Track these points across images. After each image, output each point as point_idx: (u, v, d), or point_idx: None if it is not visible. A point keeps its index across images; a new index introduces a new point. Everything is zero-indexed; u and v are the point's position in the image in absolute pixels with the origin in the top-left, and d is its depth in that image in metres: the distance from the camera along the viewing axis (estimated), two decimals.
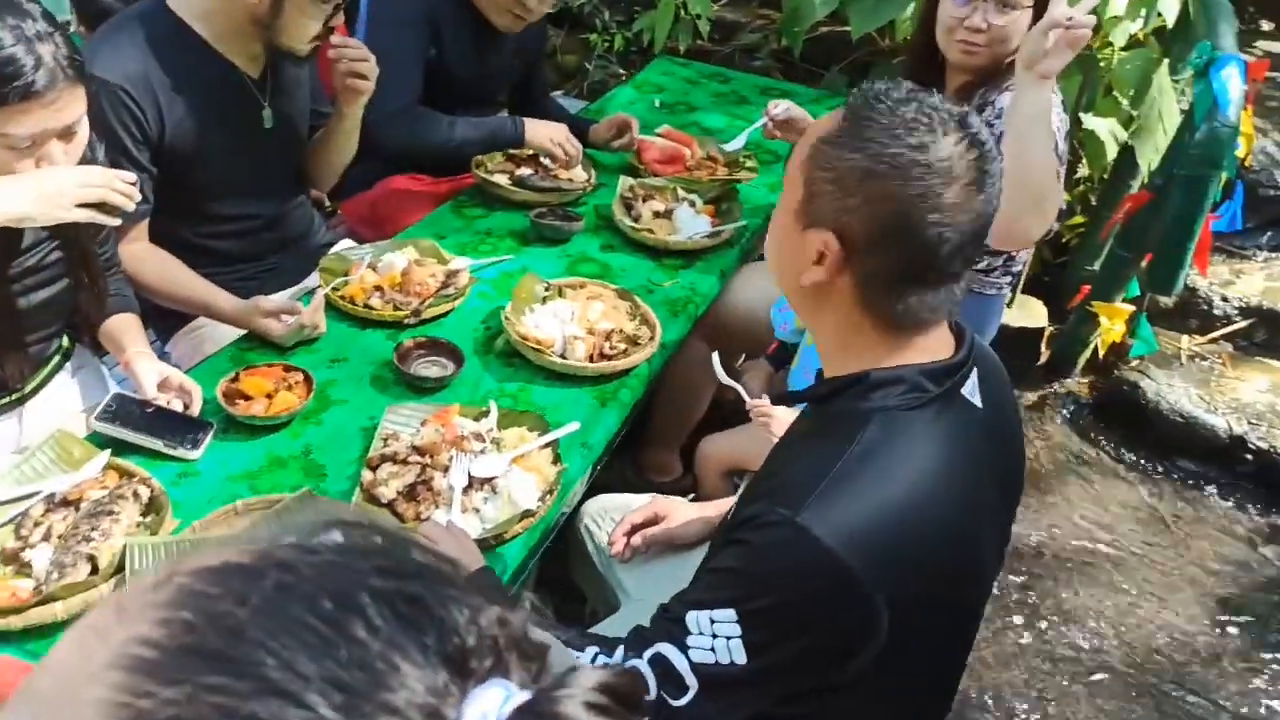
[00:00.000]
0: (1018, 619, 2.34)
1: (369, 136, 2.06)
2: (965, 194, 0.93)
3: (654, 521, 1.46)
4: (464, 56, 2.36)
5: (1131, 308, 2.90)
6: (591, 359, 1.74)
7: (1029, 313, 3.15)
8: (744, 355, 2.51)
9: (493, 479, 1.44)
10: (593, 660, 1.06)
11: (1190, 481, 2.81)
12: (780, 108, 2.15)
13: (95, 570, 1.20)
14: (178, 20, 1.72)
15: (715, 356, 1.68)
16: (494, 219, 2.23)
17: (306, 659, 0.34)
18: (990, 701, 2.14)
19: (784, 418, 1.61)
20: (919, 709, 1.18)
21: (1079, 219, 3.30)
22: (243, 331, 1.77)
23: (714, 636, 0.93)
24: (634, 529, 1.45)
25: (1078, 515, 2.66)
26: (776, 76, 3.56)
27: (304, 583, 0.36)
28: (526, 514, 1.39)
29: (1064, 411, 3.03)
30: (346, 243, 2.18)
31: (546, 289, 1.91)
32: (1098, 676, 2.23)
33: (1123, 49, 2.83)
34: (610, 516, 1.62)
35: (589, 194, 2.34)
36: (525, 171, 2.33)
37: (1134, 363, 3.05)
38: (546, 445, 1.52)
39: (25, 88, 1.25)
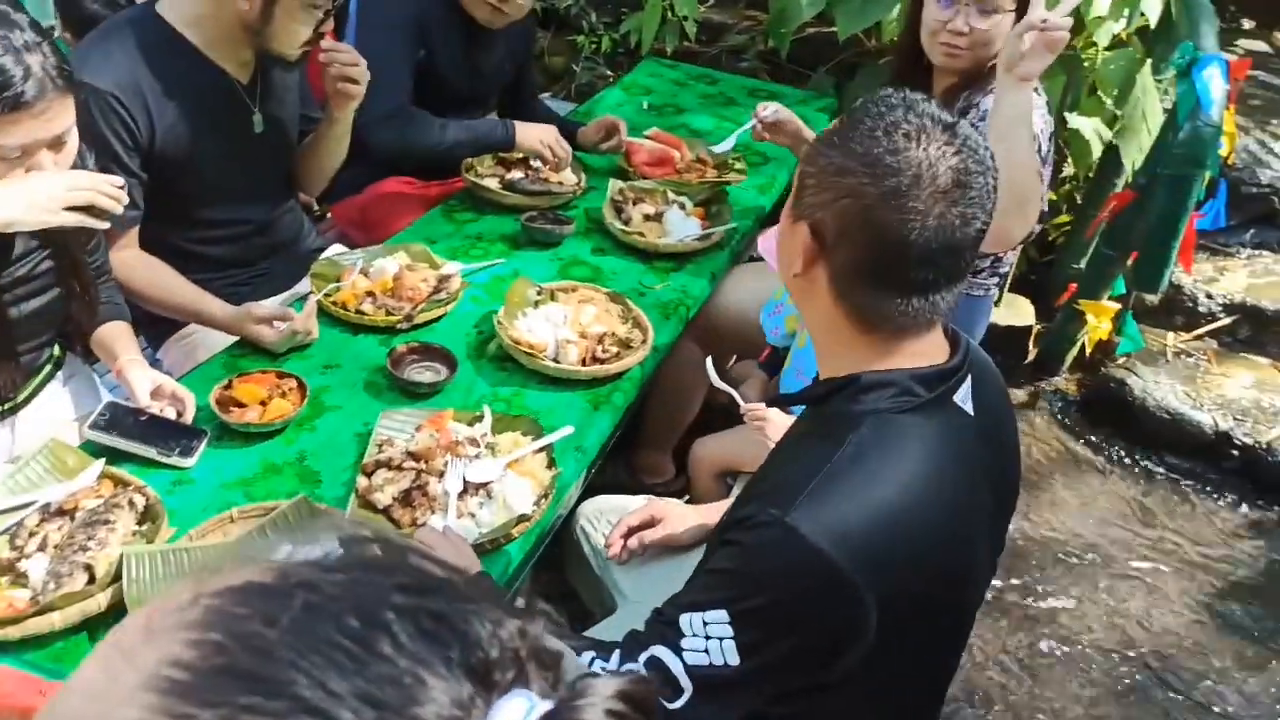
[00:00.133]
0: (1005, 614, 2.36)
1: (360, 140, 2.06)
2: (939, 200, 0.94)
3: (651, 524, 1.47)
4: (453, 59, 2.36)
5: (1117, 305, 2.93)
6: (584, 363, 1.74)
7: (1016, 311, 3.17)
8: (735, 357, 2.52)
9: (488, 484, 1.45)
10: (589, 665, 1.07)
11: (1176, 477, 2.84)
12: (769, 110, 2.17)
13: (92, 580, 1.20)
14: (168, 26, 1.72)
15: (709, 361, 1.69)
16: (484, 223, 2.23)
17: (337, 677, 0.34)
18: (978, 697, 2.16)
19: (778, 421, 1.62)
20: (909, 710, 1.19)
21: (1065, 218, 3.33)
22: (234, 338, 1.77)
23: (707, 638, 0.94)
24: (631, 531, 1.46)
25: (1065, 511, 2.69)
26: (764, 77, 3.57)
27: (329, 602, 0.37)
28: (522, 518, 1.40)
29: (1052, 409, 3.05)
30: (337, 248, 2.18)
31: (538, 293, 1.91)
32: (1086, 671, 2.25)
33: (1106, 49, 2.85)
34: (606, 518, 1.62)
35: (579, 197, 2.34)
36: (515, 175, 2.34)
37: (1120, 360, 3.08)
38: (541, 449, 1.53)
39: (14, 98, 1.25)
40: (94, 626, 1.20)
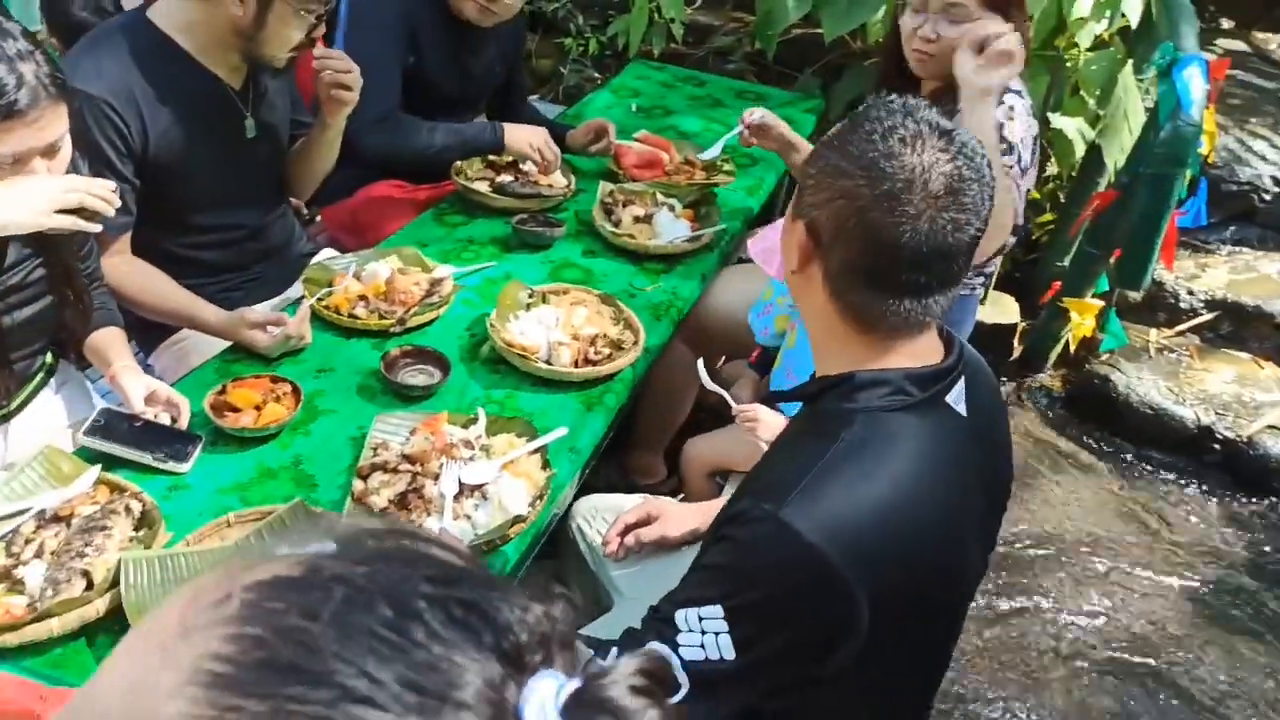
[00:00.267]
0: (991, 608, 2.39)
1: (350, 144, 2.06)
2: (932, 205, 0.96)
3: (647, 522, 1.48)
4: (443, 61, 2.37)
5: (1101, 303, 2.97)
6: (577, 364, 1.76)
7: (1002, 309, 3.20)
8: (724, 358, 2.54)
9: (483, 485, 1.46)
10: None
11: (1160, 471, 2.88)
12: (755, 115, 2.19)
13: (90, 586, 1.20)
14: (159, 33, 1.72)
15: (700, 363, 1.71)
16: (475, 227, 2.24)
17: (378, 665, 0.36)
18: (966, 691, 2.19)
19: (769, 421, 1.64)
20: (902, 705, 1.21)
21: (1049, 216, 3.37)
22: (227, 343, 1.78)
23: (703, 633, 0.96)
24: (628, 529, 1.48)
25: (1051, 506, 2.72)
26: (750, 79, 3.59)
27: (362, 594, 0.38)
28: (518, 519, 1.41)
29: (1037, 405, 3.09)
30: (328, 252, 2.19)
31: (530, 296, 1.92)
32: (1072, 663, 2.29)
33: (1089, 50, 2.89)
34: (602, 516, 1.64)
35: (569, 200, 2.36)
36: (505, 178, 2.35)
37: (1104, 356, 3.11)
38: (535, 451, 1.54)
39: (8, 107, 1.25)
40: (92, 633, 1.20)
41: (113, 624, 1.21)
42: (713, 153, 2.42)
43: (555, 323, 1.85)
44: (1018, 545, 2.57)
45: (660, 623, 1.00)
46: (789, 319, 1.91)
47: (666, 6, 3.38)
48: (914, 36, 1.91)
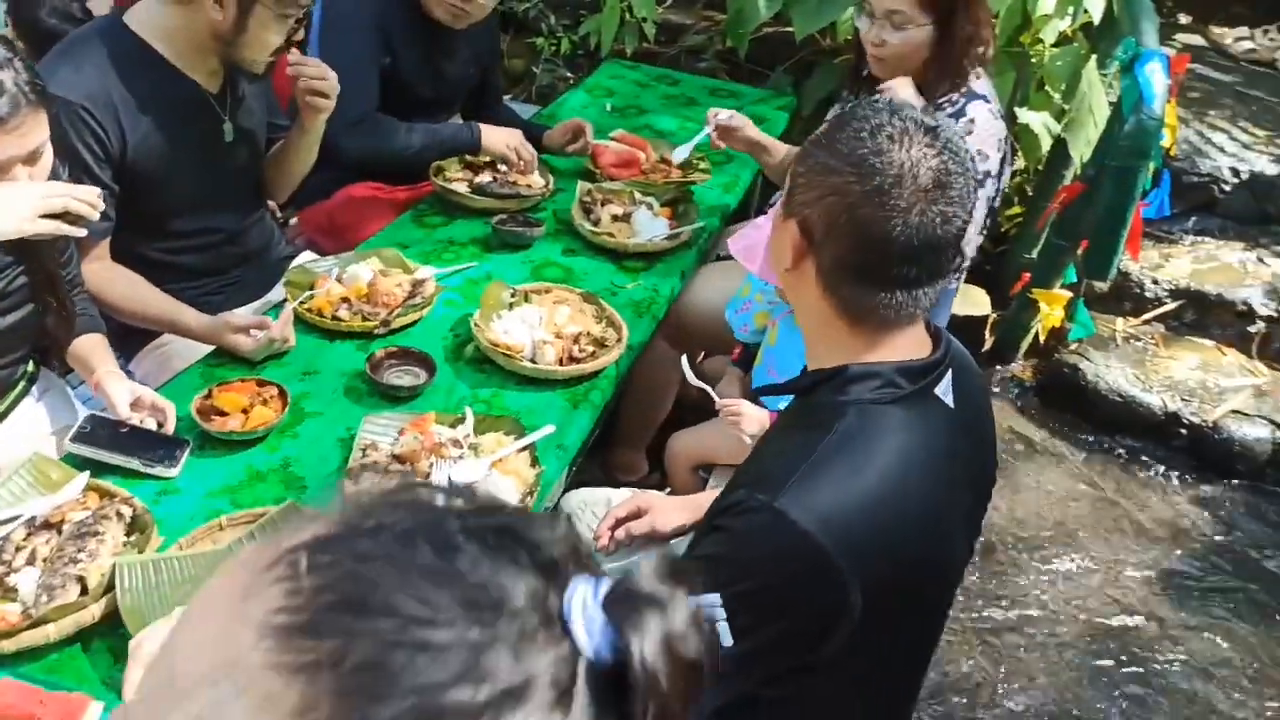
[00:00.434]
0: (969, 594, 2.44)
1: (329, 147, 2.06)
2: (921, 199, 0.99)
3: (637, 515, 1.51)
4: (417, 63, 2.37)
5: (1069, 293, 3.03)
6: (561, 362, 1.78)
7: (972, 301, 3.26)
8: (703, 354, 2.57)
9: (473, 484, 1.48)
10: None
11: (1129, 457, 2.95)
12: (722, 115, 2.23)
13: (85, 591, 1.21)
14: (137, 38, 1.72)
15: (684, 359, 1.73)
16: (455, 228, 2.25)
17: (434, 590, 0.39)
18: (946, 674, 2.23)
19: (752, 415, 1.67)
20: (890, 691, 1.24)
21: (1017, 210, 3.42)
22: (208, 348, 1.78)
23: None
24: (619, 523, 1.50)
25: (1025, 492, 2.78)
26: (723, 77, 3.62)
27: (402, 536, 0.41)
28: None
29: (1009, 394, 3.15)
30: (308, 255, 2.19)
31: (513, 295, 1.94)
32: (1049, 646, 2.34)
33: (1053, 46, 2.95)
34: (591, 510, 1.66)
35: (547, 199, 2.37)
36: (484, 179, 2.36)
37: (1073, 346, 3.18)
38: (524, 448, 1.56)
39: None
40: (88, 638, 1.20)
41: (108, 629, 1.21)
42: (681, 154, 2.43)
43: (539, 321, 1.87)
44: (992, 530, 2.62)
45: None
46: (769, 315, 1.94)
47: (638, 6, 3.40)
48: (866, 40, 1.96)
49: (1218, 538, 2.70)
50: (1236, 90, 3.98)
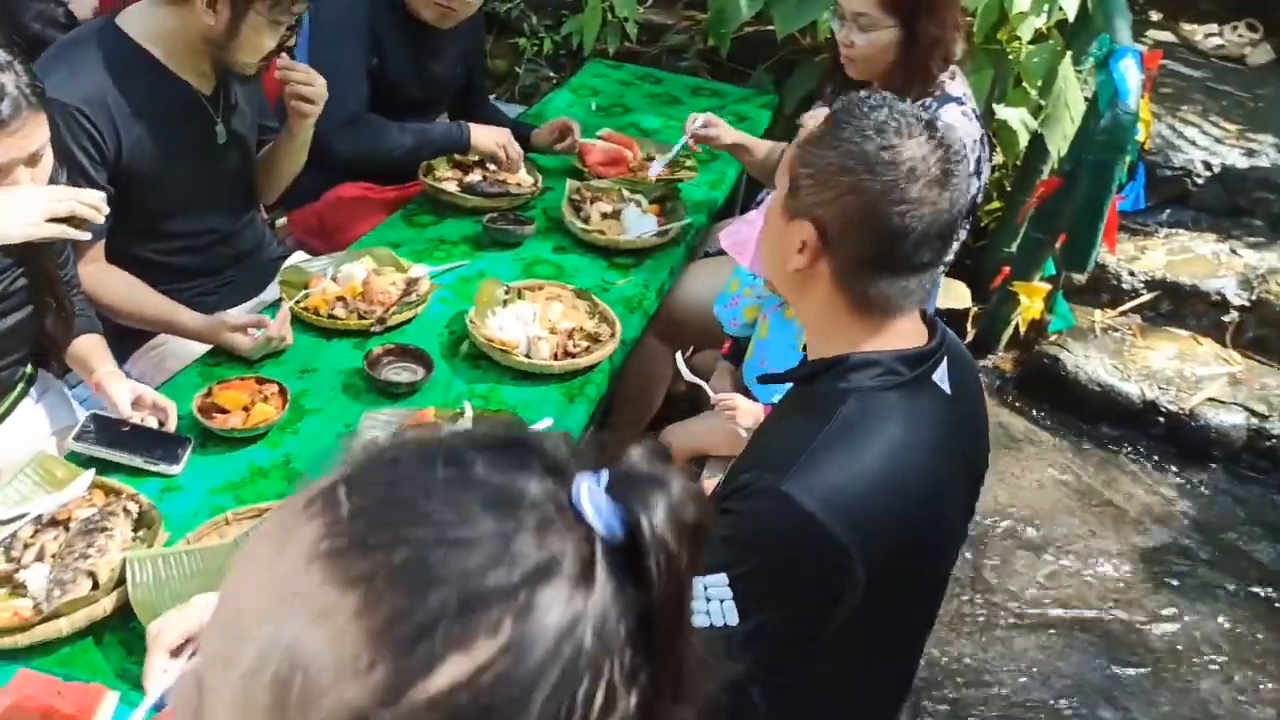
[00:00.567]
0: (955, 582, 2.48)
1: (319, 147, 2.08)
2: (929, 190, 1.04)
3: None
4: (405, 64, 2.39)
5: (1048, 286, 3.08)
6: (556, 357, 1.80)
7: (954, 294, 3.31)
8: (692, 349, 2.60)
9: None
10: None
11: (1109, 444, 3.01)
12: (698, 122, 2.26)
13: (95, 585, 1.22)
14: (130, 40, 1.73)
15: (679, 355, 1.76)
16: (445, 227, 2.27)
17: (457, 496, 0.44)
18: (938, 656, 2.28)
19: (746, 408, 1.71)
20: (886, 675, 1.28)
21: (996, 204, 3.48)
22: (203, 349, 1.79)
23: (708, 600, 1.01)
24: None
25: (1008, 481, 2.83)
26: (704, 76, 3.66)
27: (420, 460, 0.46)
28: None
29: (990, 386, 3.20)
30: (300, 254, 2.20)
31: (506, 292, 1.96)
32: (1035, 625, 2.39)
33: (1029, 43, 3.00)
34: None
35: (536, 198, 2.40)
36: (474, 178, 2.38)
37: (1053, 337, 3.24)
38: None
39: None
40: (99, 631, 1.22)
41: (119, 622, 1.23)
42: (656, 169, 2.45)
43: (532, 317, 1.90)
44: (977, 518, 2.67)
45: None
46: (758, 309, 1.97)
47: (620, 6, 3.43)
48: (838, 41, 2.01)
49: (1197, 521, 2.76)
50: (1207, 85, 4.07)
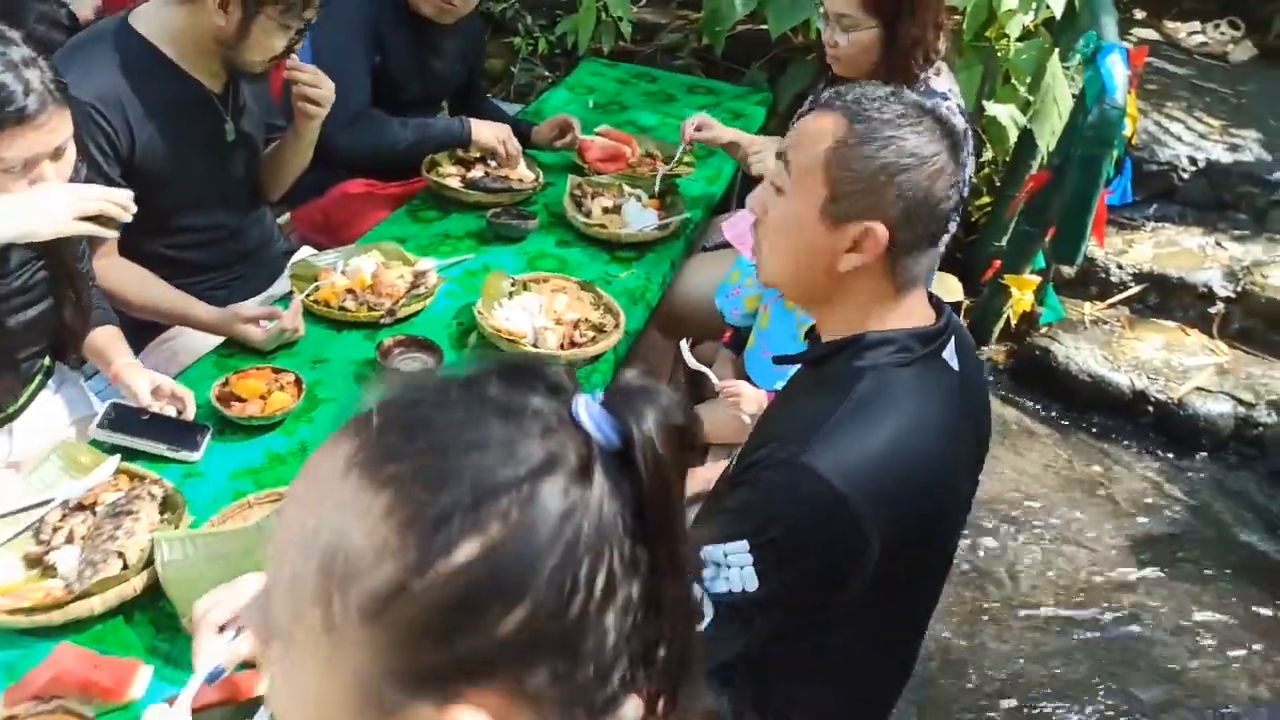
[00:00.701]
0: (952, 569, 2.54)
1: (325, 145, 2.12)
2: (954, 168, 1.10)
3: None
4: (406, 61, 2.43)
5: (1039, 279, 3.15)
6: (563, 347, 1.84)
7: (945, 288, 3.36)
8: (691, 340, 2.64)
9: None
10: None
11: (1100, 433, 3.07)
12: (693, 125, 2.33)
13: (125, 566, 1.26)
14: (143, 39, 1.76)
15: (684, 344, 1.81)
16: (450, 222, 2.31)
17: (471, 409, 0.51)
18: (936, 640, 2.33)
19: (750, 395, 1.75)
20: (893, 654, 1.32)
21: (986, 200, 3.54)
22: (214, 343, 1.83)
23: (728, 567, 1.05)
24: None
25: (1001, 470, 2.88)
26: (698, 74, 3.70)
27: (437, 388, 0.53)
28: None
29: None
30: (307, 250, 2.24)
31: (512, 284, 2.00)
32: (1031, 611, 2.45)
33: (1018, 40, 3.06)
34: None
35: (538, 193, 2.44)
36: (476, 174, 2.42)
37: (1043, 329, 3.30)
38: None
39: (18, 113, 1.29)
40: (130, 610, 1.26)
41: (148, 601, 1.26)
42: (662, 173, 2.49)
43: (539, 309, 1.94)
44: (971, 506, 2.72)
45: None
46: (759, 299, 2.02)
47: (614, 5, 3.47)
48: (825, 41, 2.07)
49: (1186, 507, 2.82)
50: (1191, 82, 4.14)
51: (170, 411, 1.56)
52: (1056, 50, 3.05)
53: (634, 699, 0.57)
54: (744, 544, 1.05)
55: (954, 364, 1.18)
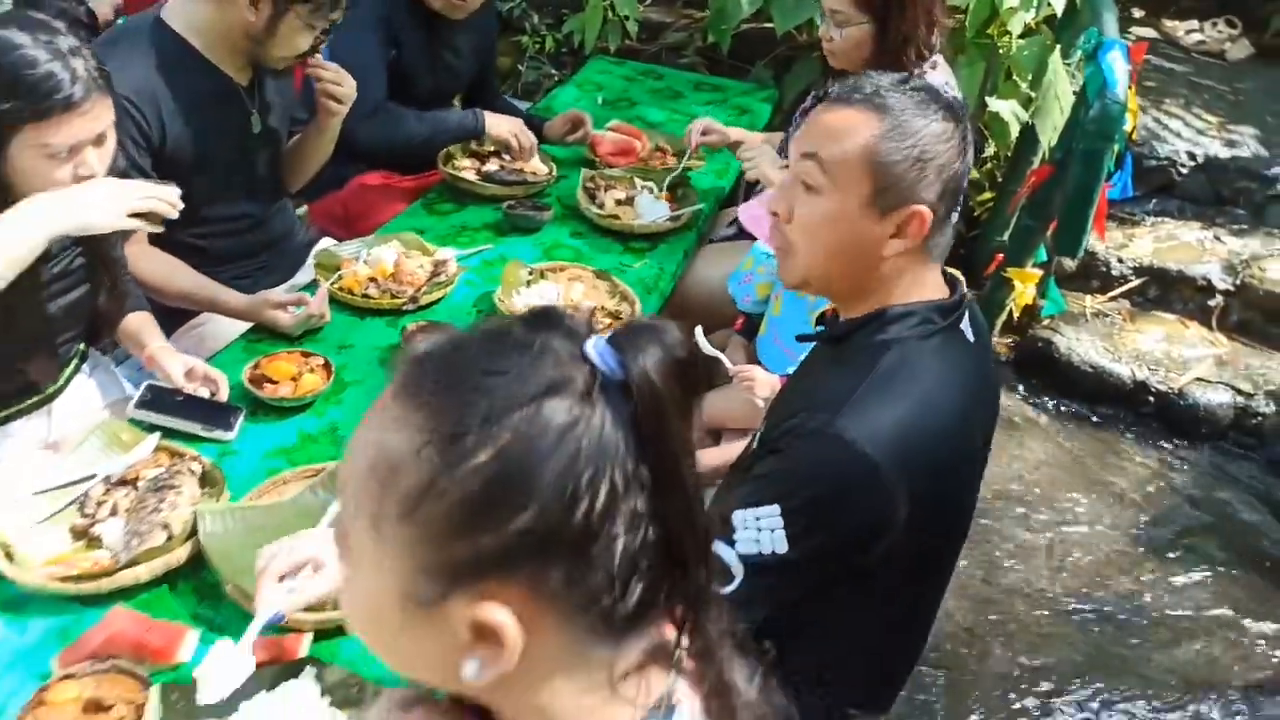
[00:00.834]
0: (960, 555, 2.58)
1: (345, 138, 2.16)
2: (963, 140, 1.16)
3: None
4: (420, 56, 2.48)
5: (1040, 272, 3.19)
6: None
7: None
8: (702, 329, 2.69)
9: None
10: None
11: (1102, 423, 3.13)
12: (698, 130, 2.42)
13: (170, 537, 1.30)
14: (174, 33, 1.81)
15: (699, 330, 1.85)
16: (467, 214, 2.36)
17: (496, 345, 0.60)
18: (940, 624, 2.37)
19: (764, 379, 1.80)
20: (914, 611, 1.36)
21: (988, 195, 3.60)
22: (240, 328, 1.87)
23: (759, 530, 1.10)
24: None
25: (1005, 459, 2.93)
26: (703, 72, 3.76)
27: (466, 336, 0.62)
28: None
29: None
30: (328, 240, 2.29)
31: (530, 273, 2.05)
32: (1034, 597, 2.49)
33: (1019, 37, 3.12)
34: None
35: (551, 186, 2.49)
36: (491, 167, 2.47)
37: (1046, 322, 3.35)
38: None
39: (66, 100, 1.34)
40: (174, 578, 1.30)
41: (191, 571, 1.31)
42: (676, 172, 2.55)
43: (556, 296, 1.98)
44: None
45: (719, 524, 1.14)
46: (771, 287, 2.07)
47: (620, 4, 3.52)
48: (821, 37, 2.13)
49: (1186, 494, 2.87)
50: (1189, 80, 4.20)
51: (204, 393, 1.61)
52: (1058, 47, 3.10)
53: (660, 623, 0.63)
54: (775, 508, 1.10)
55: (970, 335, 1.23)
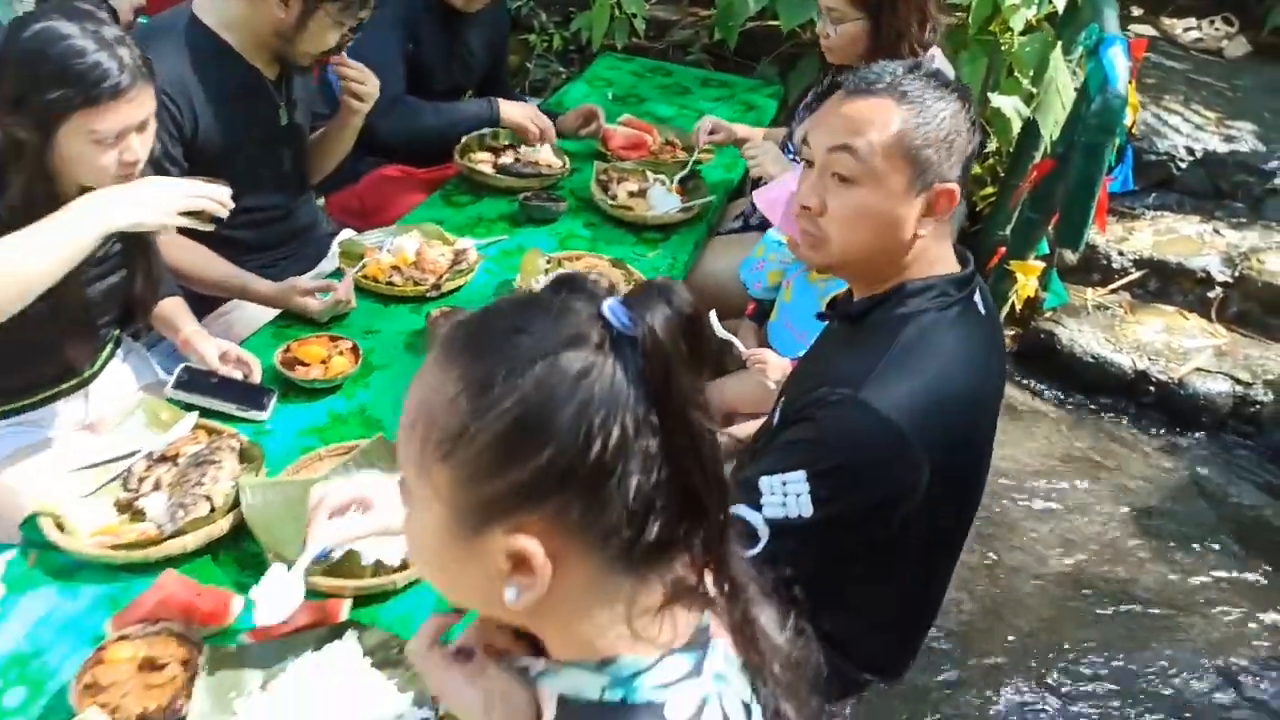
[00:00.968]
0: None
1: (368, 130, 2.22)
2: (969, 116, 1.22)
3: None
4: (437, 49, 2.54)
5: (1042, 264, 3.25)
6: None
7: None
8: (715, 312, 2.74)
9: None
10: None
11: (1103, 413, 3.18)
12: (705, 130, 2.51)
13: (213, 509, 1.36)
14: (206, 28, 1.87)
15: (713, 314, 1.91)
16: (483, 206, 2.41)
17: (528, 307, 0.68)
18: (946, 607, 2.42)
19: (776, 363, 1.85)
20: (930, 582, 1.41)
21: (990, 189, 3.65)
22: (267, 315, 1.93)
23: (785, 495, 1.15)
24: None
25: (1008, 448, 2.98)
26: (709, 69, 3.81)
27: (504, 298, 0.73)
28: None
29: None
30: (349, 231, 2.34)
31: (548, 262, 2.10)
32: (1039, 581, 2.55)
33: (1021, 33, 3.17)
34: None
35: (565, 179, 2.54)
36: (506, 160, 2.52)
37: (1048, 314, 3.41)
38: None
39: (114, 88, 1.39)
40: (216, 549, 1.36)
41: (232, 542, 1.36)
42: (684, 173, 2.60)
43: None
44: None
45: (746, 489, 1.19)
46: (782, 274, 2.12)
47: (627, 2, 3.58)
48: (818, 32, 2.19)
49: (1186, 481, 2.93)
50: (1188, 77, 4.26)
51: (237, 375, 1.66)
52: (1059, 43, 3.16)
53: (683, 562, 0.70)
54: (802, 474, 1.15)
55: (982, 308, 1.28)
